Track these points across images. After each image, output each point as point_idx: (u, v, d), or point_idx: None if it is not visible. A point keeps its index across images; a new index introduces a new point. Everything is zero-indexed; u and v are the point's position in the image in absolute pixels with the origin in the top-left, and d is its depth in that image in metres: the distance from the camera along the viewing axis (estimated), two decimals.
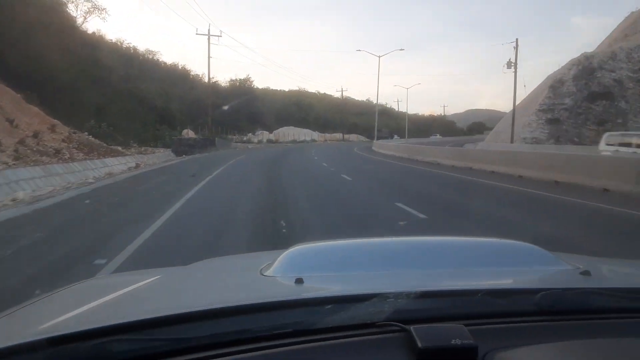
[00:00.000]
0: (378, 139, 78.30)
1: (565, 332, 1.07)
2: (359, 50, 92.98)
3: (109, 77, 41.86)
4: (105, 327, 1.00)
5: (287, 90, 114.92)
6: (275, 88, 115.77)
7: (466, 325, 1.02)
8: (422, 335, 0.96)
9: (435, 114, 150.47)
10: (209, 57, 47.41)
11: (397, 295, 1.09)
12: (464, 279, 1.44)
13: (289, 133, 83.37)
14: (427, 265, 1.52)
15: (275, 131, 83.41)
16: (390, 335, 1.01)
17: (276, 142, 71.83)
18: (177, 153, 34.71)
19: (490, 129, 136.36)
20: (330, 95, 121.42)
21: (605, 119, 39.27)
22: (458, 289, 1.30)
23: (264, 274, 1.43)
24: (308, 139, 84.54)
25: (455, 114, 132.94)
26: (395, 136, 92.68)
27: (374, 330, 1.03)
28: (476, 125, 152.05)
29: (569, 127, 39.71)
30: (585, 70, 41.17)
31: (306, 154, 36.71)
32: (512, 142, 38.15)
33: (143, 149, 33.38)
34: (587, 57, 41.99)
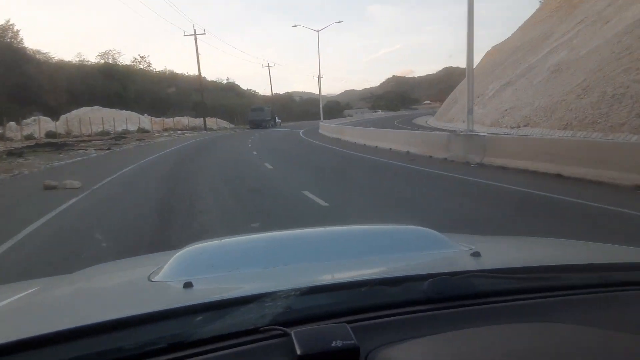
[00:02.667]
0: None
1: (452, 321, 1.03)
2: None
3: None
4: None
5: (88, 62, 72.10)
6: (67, 59, 73.23)
7: (352, 322, 0.98)
8: (302, 339, 0.90)
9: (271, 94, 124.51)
10: None
11: (279, 296, 1.03)
12: (356, 269, 1.38)
13: (94, 118, 46.18)
14: (324, 258, 1.45)
15: (65, 115, 45.65)
16: (274, 341, 0.94)
17: (66, 136, 35.39)
18: None
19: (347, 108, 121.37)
20: (151, 71, 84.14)
21: None
22: (342, 282, 1.22)
23: (152, 280, 1.32)
24: (133, 127, 48.32)
25: (276, 94, 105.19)
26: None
27: (258, 336, 0.95)
28: (333, 103, 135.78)
29: None
30: None
31: None
32: None
33: None
34: None
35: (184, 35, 59.73)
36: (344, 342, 0.89)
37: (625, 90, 20.54)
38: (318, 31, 45.07)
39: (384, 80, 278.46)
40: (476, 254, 1.40)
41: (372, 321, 1.01)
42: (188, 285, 1.18)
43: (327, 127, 37.36)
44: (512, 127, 27.92)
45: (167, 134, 46.54)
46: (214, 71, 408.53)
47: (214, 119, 62.64)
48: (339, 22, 49.32)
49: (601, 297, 1.19)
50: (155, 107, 62.74)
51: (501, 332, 0.98)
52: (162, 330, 0.96)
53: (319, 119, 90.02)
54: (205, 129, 56.30)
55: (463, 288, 1.13)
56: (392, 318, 1.04)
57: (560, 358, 0.86)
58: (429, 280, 1.11)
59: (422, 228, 1.67)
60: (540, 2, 59.82)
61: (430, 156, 16.22)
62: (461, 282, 1.14)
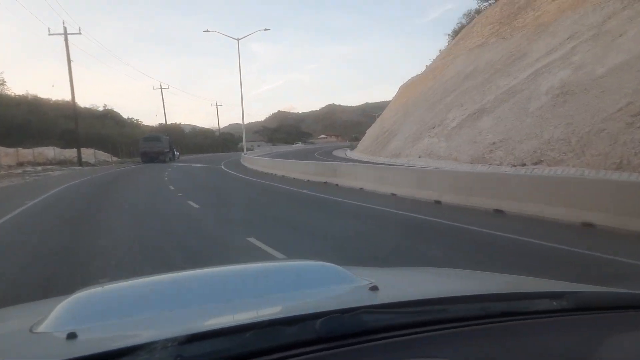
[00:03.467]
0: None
1: None
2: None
3: None
4: None
5: None
6: None
7: None
8: None
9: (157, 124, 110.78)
10: None
11: (155, 347, 0.95)
12: (254, 309, 1.33)
13: None
14: (224, 298, 1.39)
15: None
16: None
17: None
18: None
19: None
20: (6, 94, 67.72)
21: None
22: (226, 326, 1.13)
23: (34, 331, 1.22)
24: None
25: (161, 124, 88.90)
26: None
27: None
28: (227, 136, 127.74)
29: None
30: None
31: None
32: None
33: None
34: None
35: (49, 35, 42.51)
36: None
37: None
38: (238, 39, 36.91)
39: (270, 114, 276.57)
40: (374, 288, 1.38)
41: None
42: (72, 336, 1.09)
43: (275, 165, 26.93)
44: (514, 165, 21.51)
45: (20, 171, 33.47)
46: (88, 97, 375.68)
47: (91, 150, 49.39)
48: (266, 29, 43.17)
49: (482, 329, 1.18)
50: (12, 135, 48.75)
51: None
52: None
53: (218, 152, 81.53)
54: (81, 164, 42.90)
55: (355, 325, 1.09)
56: None
57: None
58: (321, 318, 1.07)
59: (324, 263, 1.63)
60: (448, 35, 57.49)
61: None
62: (353, 319, 1.10)
